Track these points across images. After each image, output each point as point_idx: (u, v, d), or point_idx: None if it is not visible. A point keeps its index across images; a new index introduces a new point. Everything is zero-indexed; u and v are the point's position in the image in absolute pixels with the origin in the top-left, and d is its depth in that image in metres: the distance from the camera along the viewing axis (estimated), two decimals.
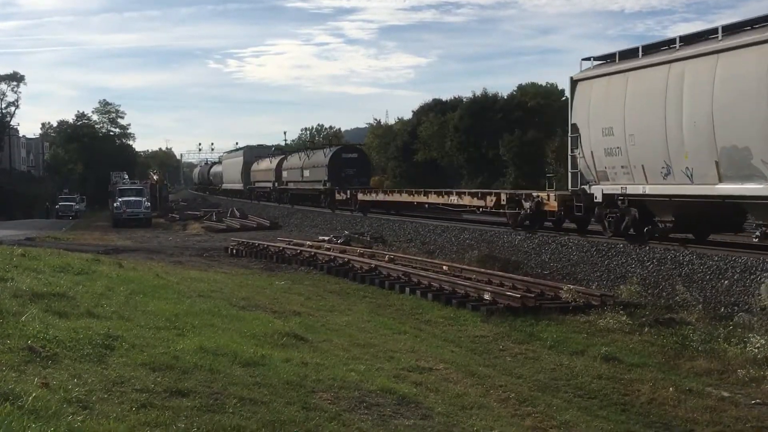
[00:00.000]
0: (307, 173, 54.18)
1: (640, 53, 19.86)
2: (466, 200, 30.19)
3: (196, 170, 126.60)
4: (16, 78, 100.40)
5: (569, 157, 22.91)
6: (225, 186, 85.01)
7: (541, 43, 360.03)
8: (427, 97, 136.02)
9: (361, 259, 24.64)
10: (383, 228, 34.82)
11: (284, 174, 60.20)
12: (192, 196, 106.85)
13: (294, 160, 59.25)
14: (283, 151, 74.00)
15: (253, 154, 75.00)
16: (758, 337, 12.96)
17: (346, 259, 24.78)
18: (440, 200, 32.90)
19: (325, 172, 49.88)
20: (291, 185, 58.32)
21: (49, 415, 6.02)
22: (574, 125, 22.36)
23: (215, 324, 11.92)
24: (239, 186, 75.46)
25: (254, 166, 71.00)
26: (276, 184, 61.58)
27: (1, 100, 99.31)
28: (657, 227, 19.80)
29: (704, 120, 17.23)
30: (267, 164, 66.82)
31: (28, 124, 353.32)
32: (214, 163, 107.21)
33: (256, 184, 69.42)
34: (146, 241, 39.34)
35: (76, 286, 13.68)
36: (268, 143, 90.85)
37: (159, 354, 8.87)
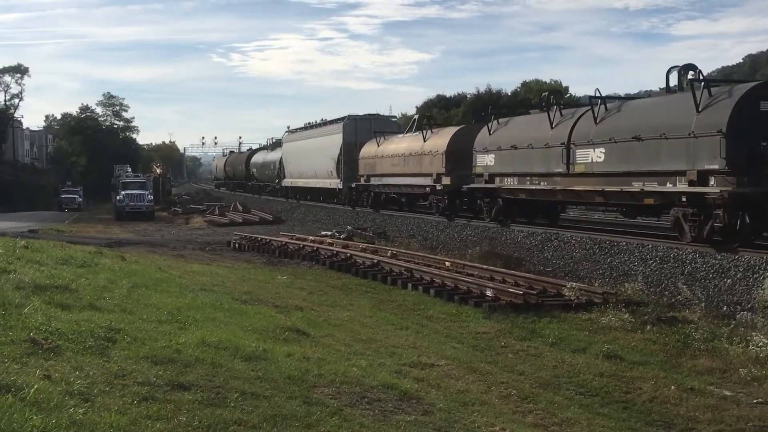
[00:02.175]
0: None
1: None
2: None
3: (218, 162, 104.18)
4: (20, 70, 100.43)
5: None
6: (292, 182, 56.18)
7: (545, 40, 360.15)
8: (430, 93, 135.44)
9: (363, 254, 24.65)
10: (386, 224, 34.80)
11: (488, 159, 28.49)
12: (194, 190, 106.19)
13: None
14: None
15: (361, 128, 44.40)
16: (761, 337, 12.96)
17: (348, 254, 24.78)
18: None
19: None
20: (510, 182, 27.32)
21: (50, 408, 6.02)
22: None
23: (217, 318, 11.93)
24: (329, 182, 47.37)
25: (369, 150, 41.14)
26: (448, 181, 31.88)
27: (5, 92, 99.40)
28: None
29: None
30: (412, 144, 36.14)
31: (31, 116, 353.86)
32: (257, 150, 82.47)
33: (379, 181, 39.52)
34: (149, 235, 39.36)
35: (79, 279, 13.69)
36: (272, 138, 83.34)
37: (161, 347, 8.87)
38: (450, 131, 33.91)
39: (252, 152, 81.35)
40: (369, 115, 47.01)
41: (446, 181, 31.83)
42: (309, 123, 57.43)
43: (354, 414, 7.56)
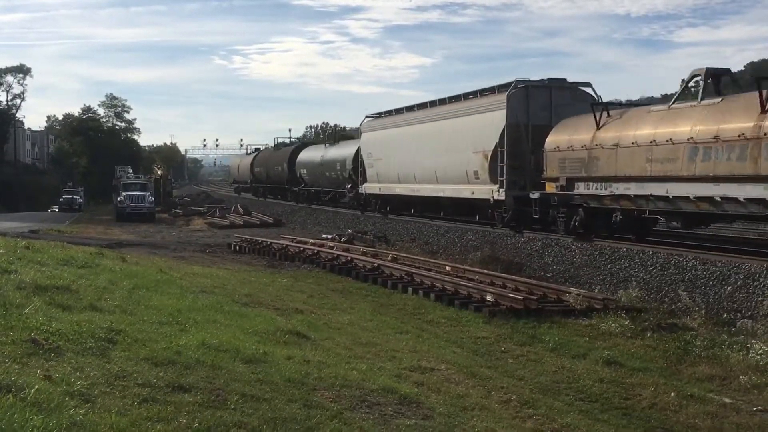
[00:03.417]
0: None
1: None
2: None
3: (241, 161, 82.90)
4: (22, 70, 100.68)
5: None
6: (385, 188, 38.30)
7: (547, 46, 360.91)
8: (431, 98, 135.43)
9: (364, 258, 24.64)
10: (386, 227, 34.80)
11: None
12: (196, 192, 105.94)
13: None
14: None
15: (537, 100, 27.63)
16: (761, 344, 12.95)
17: (349, 258, 24.78)
18: None
19: None
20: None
21: (51, 408, 6.03)
22: None
23: (218, 320, 11.92)
24: (473, 190, 29.43)
25: (575, 136, 23.56)
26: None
27: (7, 92, 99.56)
28: None
29: None
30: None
31: (33, 116, 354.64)
32: (303, 145, 64.85)
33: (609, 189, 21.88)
34: (150, 236, 39.38)
35: (80, 280, 13.69)
36: (273, 141, 79.09)
37: (161, 349, 8.87)
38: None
39: (297, 147, 61.53)
40: (551, 80, 28.00)
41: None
42: (426, 102, 35.37)
43: (354, 417, 7.56)
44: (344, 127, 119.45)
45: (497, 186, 26.75)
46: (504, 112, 26.85)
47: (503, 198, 26.57)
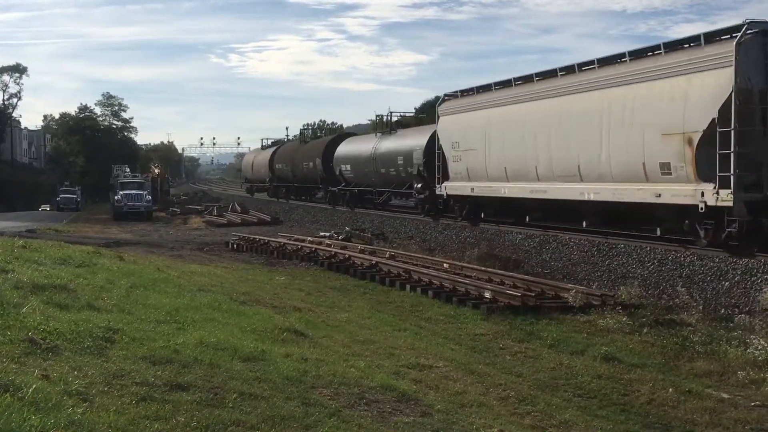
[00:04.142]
0: None
1: None
2: None
3: (255, 157, 69.76)
4: (18, 69, 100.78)
5: None
6: (482, 188, 27.65)
7: (543, 42, 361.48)
8: (429, 95, 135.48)
9: (361, 255, 24.65)
10: (384, 225, 34.81)
11: None
12: (193, 190, 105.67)
13: None
14: None
15: None
16: (759, 339, 12.97)
17: (346, 256, 24.78)
18: None
19: None
20: None
21: (49, 407, 6.01)
22: None
23: (215, 318, 11.92)
24: (670, 191, 18.66)
25: None
26: None
27: (4, 91, 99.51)
28: None
29: None
30: None
31: (30, 115, 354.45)
32: (341, 136, 51.68)
33: None
34: (147, 235, 39.35)
35: (77, 279, 13.67)
36: (270, 139, 75.65)
37: (159, 348, 8.86)
38: None
39: (334, 139, 50.09)
40: None
41: None
42: (555, 70, 24.29)
43: (352, 415, 7.55)
44: (341, 126, 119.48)
45: (712, 186, 17.33)
46: (730, 71, 17.10)
47: (729, 204, 16.96)
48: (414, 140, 35.20)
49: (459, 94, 30.79)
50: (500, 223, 27.20)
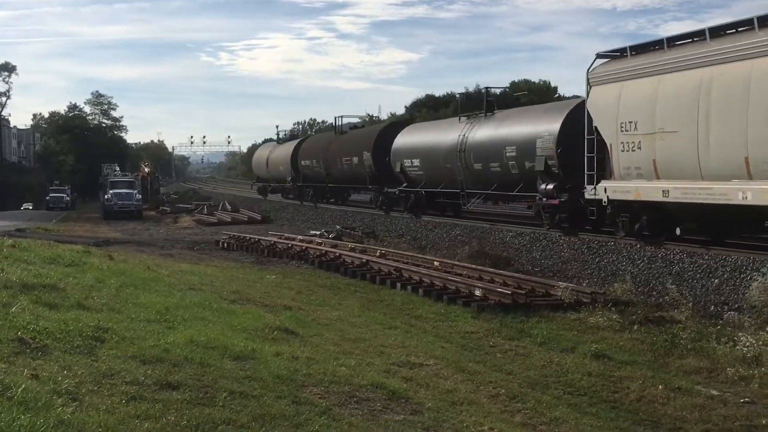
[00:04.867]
0: None
1: None
2: None
3: (272, 152, 60.36)
4: (7, 68, 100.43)
5: None
6: (645, 189, 19.25)
7: (533, 40, 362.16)
8: (419, 93, 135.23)
9: (352, 254, 24.64)
10: (374, 223, 34.80)
11: None
12: (183, 189, 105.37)
13: None
14: None
15: None
16: (748, 336, 13.01)
17: (337, 254, 24.77)
18: None
19: None
20: None
21: (38, 407, 6.01)
22: None
23: (206, 317, 11.91)
24: None
25: None
26: None
27: None
28: None
29: None
30: None
31: (19, 114, 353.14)
32: (395, 124, 42.09)
33: None
34: (137, 234, 39.24)
35: (67, 278, 13.65)
36: (260, 137, 75.22)
37: (149, 347, 8.86)
38: None
39: (387, 127, 40.11)
40: None
41: None
42: None
43: (343, 413, 7.56)
44: (332, 123, 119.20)
45: None
46: None
47: None
48: (537, 124, 25.10)
49: (628, 51, 20.70)
50: (710, 245, 18.75)
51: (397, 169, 35.02)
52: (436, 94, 76.25)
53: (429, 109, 69.05)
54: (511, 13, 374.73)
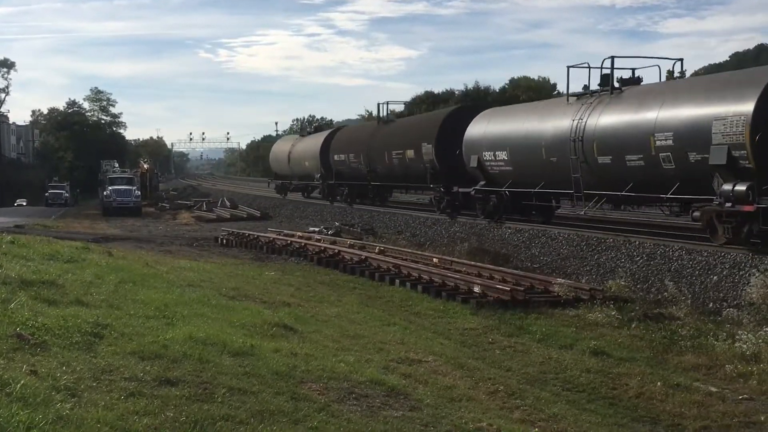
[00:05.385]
0: None
1: None
2: None
3: (295, 145, 53.62)
4: (6, 64, 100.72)
5: None
6: None
7: (533, 37, 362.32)
8: (418, 90, 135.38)
9: (351, 250, 24.63)
10: (373, 220, 34.80)
11: None
12: (182, 186, 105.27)
13: None
14: None
15: None
16: (746, 333, 13.02)
17: (336, 251, 24.76)
18: None
19: None
20: None
21: (37, 403, 6.01)
22: None
23: (205, 314, 11.90)
24: None
25: None
26: None
27: None
28: None
29: None
30: None
31: (18, 111, 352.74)
32: (462, 109, 33.89)
33: None
34: (136, 230, 39.23)
35: (66, 274, 13.63)
36: (260, 134, 73.79)
37: (148, 343, 8.86)
38: None
39: (453, 113, 33.18)
40: None
41: None
42: None
43: (341, 410, 7.57)
44: (331, 120, 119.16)
45: None
46: None
47: None
48: (711, 101, 18.08)
49: None
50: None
51: (473, 164, 27.98)
52: (435, 91, 76.18)
53: (428, 105, 69.02)
54: (510, 10, 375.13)
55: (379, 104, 43.01)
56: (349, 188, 42.21)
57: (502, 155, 26.40)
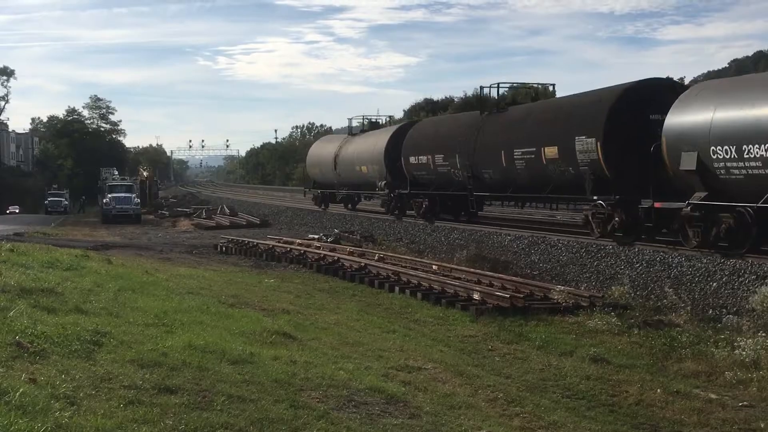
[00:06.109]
0: None
1: None
2: None
3: (344, 146, 42.38)
4: (6, 72, 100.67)
5: None
6: None
7: (531, 44, 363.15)
8: (417, 97, 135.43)
9: (350, 257, 24.62)
10: (373, 227, 34.79)
11: None
12: (182, 193, 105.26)
13: None
14: None
15: None
16: (746, 340, 13.01)
17: (335, 258, 24.76)
18: None
19: None
20: None
21: (36, 411, 6.00)
22: None
23: (204, 321, 11.90)
24: None
25: None
26: None
27: None
28: None
29: None
30: None
31: (17, 118, 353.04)
32: (665, 85, 21.99)
33: None
34: (135, 238, 39.23)
35: (65, 282, 13.64)
36: (259, 141, 73.11)
37: (147, 351, 8.85)
38: None
39: (634, 87, 21.18)
40: None
41: None
42: None
43: (341, 417, 7.56)
44: (330, 128, 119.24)
45: None
46: None
47: None
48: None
49: None
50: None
51: (687, 166, 17.84)
52: (435, 98, 76.29)
53: (428, 112, 69.12)
54: (509, 17, 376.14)
55: (491, 86, 32.19)
56: (431, 200, 32.54)
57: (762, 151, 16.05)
